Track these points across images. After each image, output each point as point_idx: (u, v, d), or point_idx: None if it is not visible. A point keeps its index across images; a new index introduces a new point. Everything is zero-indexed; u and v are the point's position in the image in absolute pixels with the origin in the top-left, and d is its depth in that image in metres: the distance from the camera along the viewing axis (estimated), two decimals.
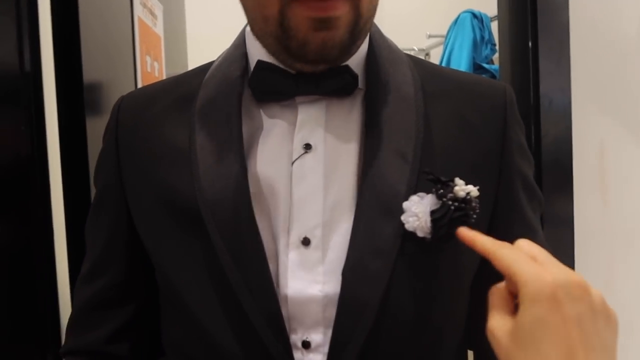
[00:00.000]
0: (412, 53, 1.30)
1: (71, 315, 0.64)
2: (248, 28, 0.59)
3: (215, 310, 0.53)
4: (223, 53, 0.61)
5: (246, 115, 0.56)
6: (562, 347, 0.36)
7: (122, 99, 0.62)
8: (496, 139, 0.56)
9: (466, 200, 0.49)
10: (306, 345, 0.52)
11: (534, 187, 0.60)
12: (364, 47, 0.56)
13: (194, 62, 1.81)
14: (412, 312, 0.52)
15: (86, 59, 0.91)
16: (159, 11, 1.35)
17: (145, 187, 0.56)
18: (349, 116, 0.55)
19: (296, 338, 0.52)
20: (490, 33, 2.12)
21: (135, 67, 1.17)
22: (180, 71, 1.60)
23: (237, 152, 0.53)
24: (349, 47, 0.50)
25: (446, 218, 0.48)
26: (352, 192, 0.53)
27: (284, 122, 0.55)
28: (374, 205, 0.51)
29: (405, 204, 0.50)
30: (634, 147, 1.14)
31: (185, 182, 0.54)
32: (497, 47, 2.10)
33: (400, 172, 0.52)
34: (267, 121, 0.55)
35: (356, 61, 0.55)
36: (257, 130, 0.55)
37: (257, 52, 0.56)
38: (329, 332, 0.51)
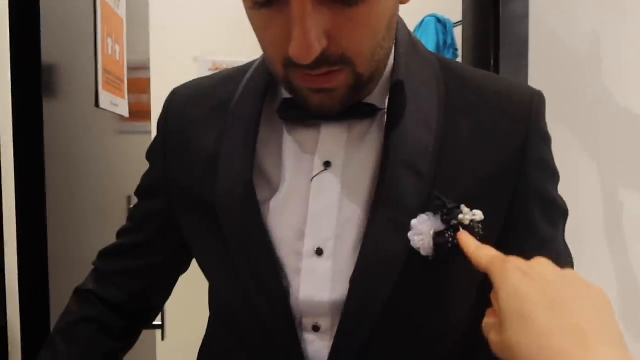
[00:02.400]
0: None
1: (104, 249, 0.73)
2: None
3: (232, 297, 0.61)
4: (259, 60, 0.63)
5: (270, 130, 0.59)
6: (544, 299, 0.37)
7: (173, 95, 0.67)
8: (515, 153, 0.56)
9: (469, 227, 0.50)
10: (316, 329, 0.57)
11: (554, 201, 0.60)
12: (388, 68, 0.57)
13: (155, 48, 1.77)
14: (414, 319, 0.57)
15: (45, 41, 0.87)
16: None
17: (183, 184, 0.62)
18: (370, 134, 0.57)
19: (307, 322, 0.57)
20: (452, 38, 2.18)
21: (95, 49, 1.13)
22: (141, 55, 1.56)
23: (247, 162, 0.57)
24: (351, 101, 0.53)
25: (447, 243, 0.50)
26: (365, 207, 0.55)
27: (307, 139, 0.57)
28: (386, 219, 0.53)
29: (413, 222, 0.52)
30: (582, 153, 1.21)
31: (211, 185, 0.58)
32: (458, 52, 2.17)
33: (413, 189, 0.53)
34: (290, 138, 0.58)
35: (378, 90, 0.57)
36: (281, 145, 0.58)
37: None
38: (335, 329, 0.56)
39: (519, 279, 0.40)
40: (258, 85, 0.59)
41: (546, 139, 0.60)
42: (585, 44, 1.19)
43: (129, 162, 1.39)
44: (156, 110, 1.80)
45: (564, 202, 0.61)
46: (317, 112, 0.53)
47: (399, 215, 0.52)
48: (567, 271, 0.41)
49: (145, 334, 1.51)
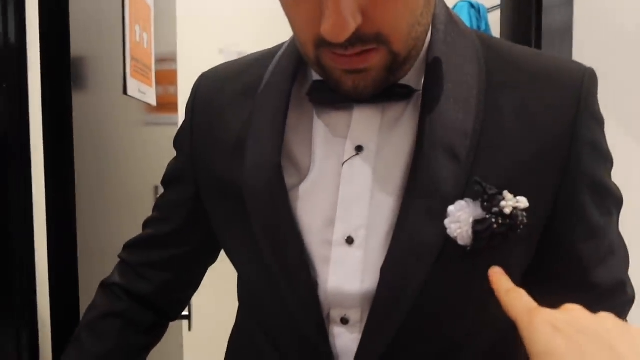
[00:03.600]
0: None
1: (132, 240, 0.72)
2: None
3: (260, 287, 0.58)
4: (287, 42, 0.61)
5: (299, 113, 0.57)
6: (578, 355, 0.33)
7: (201, 79, 0.65)
8: (563, 135, 0.52)
9: (512, 215, 0.47)
10: (345, 321, 0.55)
11: (606, 188, 0.55)
12: (426, 40, 0.54)
13: (182, 38, 1.75)
14: (446, 311, 0.53)
15: (74, 29, 0.85)
16: None
17: (210, 169, 0.60)
18: (404, 117, 0.53)
19: (335, 314, 0.55)
20: (487, 24, 2.10)
21: (124, 37, 1.11)
22: (168, 47, 1.55)
23: (275, 146, 0.54)
24: (386, 82, 0.50)
25: (487, 232, 0.47)
26: (398, 194, 0.52)
27: (338, 122, 0.55)
28: (420, 206, 0.50)
29: (450, 208, 0.48)
30: (634, 145, 1.14)
31: (237, 170, 0.56)
32: None
33: (450, 174, 0.50)
34: (320, 121, 0.56)
35: (414, 70, 0.54)
36: (311, 127, 0.56)
37: None
38: (365, 321, 0.53)
39: (549, 336, 0.35)
40: (287, 67, 0.57)
41: (598, 120, 0.55)
42: (637, 26, 1.12)
43: (156, 152, 1.39)
44: (183, 102, 1.80)
45: (617, 189, 0.57)
46: (350, 95, 0.50)
47: (434, 202, 0.49)
48: (602, 317, 0.37)
49: (171, 324, 1.52)
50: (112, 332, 0.67)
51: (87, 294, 0.90)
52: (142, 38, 1.23)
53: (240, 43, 2.43)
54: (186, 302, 0.75)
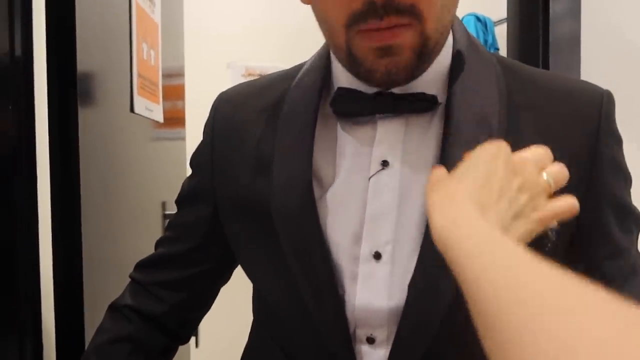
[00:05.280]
0: None
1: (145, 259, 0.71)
2: None
3: (284, 305, 0.58)
4: (310, 60, 0.62)
5: (324, 128, 0.57)
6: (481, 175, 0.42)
7: (221, 98, 0.65)
8: (585, 154, 0.53)
9: (543, 233, 0.47)
10: (371, 340, 0.55)
11: (627, 206, 0.56)
12: (447, 56, 0.55)
13: (190, 53, 1.77)
14: (474, 330, 0.52)
15: (81, 45, 0.86)
16: None
17: (232, 188, 0.60)
18: (428, 131, 0.54)
19: (361, 333, 0.55)
20: (493, 37, 2.10)
21: (131, 54, 1.12)
22: (175, 61, 1.56)
23: (305, 162, 0.54)
24: (417, 69, 0.51)
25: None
26: (423, 209, 0.52)
27: (363, 136, 0.55)
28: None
29: None
30: (629, 141, 1.12)
31: (264, 188, 0.56)
32: (499, 52, 2.09)
33: None
34: (345, 135, 0.56)
35: (437, 75, 0.54)
36: (335, 142, 0.56)
37: (339, 71, 0.57)
38: (392, 339, 0.53)
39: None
40: (313, 83, 0.57)
41: (618, 139, 0.56)
42: None
43: (164, 168, 1.39)
44: (190, 117, 1.80)
45: (636, 208, 0.57)
46: (383, 82, 0.50)
47: None
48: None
49: None
50: (121, 357, 0.65)
51: (93, 308, 0.89)
52: (149, 55, 1.24)
53: (247, 58, 2.45)
54: (197, 323, 0.74)
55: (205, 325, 1.44)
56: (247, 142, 0.60)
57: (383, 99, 0.53)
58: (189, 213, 0.67)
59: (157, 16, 1.31)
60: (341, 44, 0.49)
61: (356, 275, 0.53)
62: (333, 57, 0.58)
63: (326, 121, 0.57)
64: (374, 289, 0.53)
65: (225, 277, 0.70)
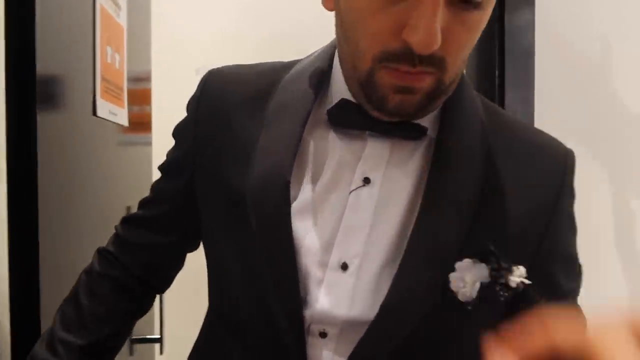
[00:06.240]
0: None
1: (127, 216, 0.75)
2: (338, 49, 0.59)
3: (244, 288, 0.59)
4: (309, 58, 0.62)
5: (314, 131, 0.58)
6: None
7: (210, 75, 0.65)
8: (547, 205, 0.56)
9: (516, 288, 0.51)
10: (323, 335, 0.57)
11: (574, 258, 0.61)
12: None
13: (157, 58, 1.76)
14: (432, 353, 0.57)
15: (41, 46, 0.85)
16: (122, 1, 1.30)
17: (210, 170, 0.61)
18: (412, 157, 0.57)
19: (315, 329, 0.57)
20: None
21: (94, 57, 1.11)
22: (142, 66, 1.55)
23: (287, 161, 0.55)
24: (427, 108, 0.52)
25: (492, 299, 0.51)
26: (396, 230, 0.55)
27: (351, 148, 0.57)
28: (422, 252, 0.53)
29: (458, 265, 0.52)
30: (592, 162, 1.18)
31: (241, 178, 0.57)
32: None
33: (454, 225, 0.53)
34: (334, 143, 0.57)
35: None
36: (323, 148, 0.57)
37: (340, 80, 0.57)
38: (343, 335, 0.56)
39: None
40: (309, 86, 0.58)
41: (574, 196, 0.60)
42: (594, 49, 1.16)
43: (129, 172, 1.37)
44: (157, 121, 1.78)
45: (579, 263, 0.62)
46: (391, 113, 0.52)
47: (435, 251, 0.52)
48: None
49: (143, 347, 1.48)
50: (107, 294, 0.70)
51: (50, 314, 0.88)
52: (114, 59, 1.23)
53: (216, 64, 2.45)
54: (171, 279, 0.78)
55: (170, 331, 1.42)
56: (232, 123, 0.60)
57: (379, 122, 0.55)
58: (168, 182, 0.70)
59: (122, 20, 1.30)
60: (364, 69, 0.50)
61: (322, 281, 0.55)
62: (337, 66, 0.58)
63: (317, 125, 0.58)
64: (337, 297, 0.55)
65: (194, 246, 0.74)
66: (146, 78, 1.61)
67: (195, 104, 0.64)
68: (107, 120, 1.19)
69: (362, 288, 0.55)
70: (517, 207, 0.55)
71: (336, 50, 0.59)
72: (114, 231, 0.78)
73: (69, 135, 1.01)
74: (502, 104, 1.12)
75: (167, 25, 2.26)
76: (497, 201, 0.55)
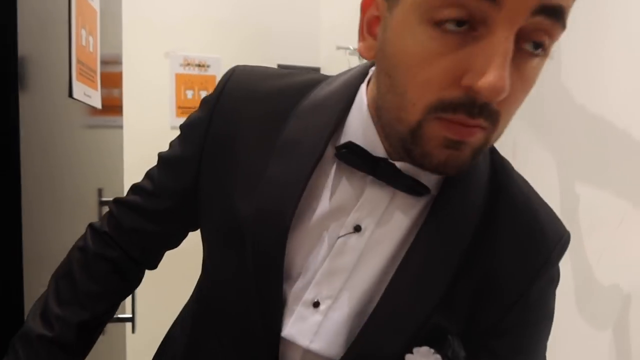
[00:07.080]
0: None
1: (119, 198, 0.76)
2: (365, 84, 0.57)
3: (230, 290, 0.62)
4: (329, 85, 0.59)
5: (319, 166, 0.57)
6: None
7: (234, 74, 0.61)
8: (520, 288, 0.55)
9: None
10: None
11: (532, 354, 0.60)
12: None
13: (128, 41, 1.75)
14: None
15: (21, 28, 0.86)
16: None
17: (220, 173, 0.61)
18: (409, 211, 0.56)
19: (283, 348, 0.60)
20: None
21: (70, 40, 1.12)
22: (113, 49, 1.55)
23: (295, 200, 0.55)
24: (468, 166, 0.49)
25: None
26: (374, 279, 0.56)
27: (351, 188, 0.56)
28: (390, 316, 0.55)
29: (416, 350, 0.53)
30: (540, 149, 1.27)
31: (245, 201, 0.58)
32: None
33: (430, 287, 0.53)
34: (336, 182, 0.57)
35: None
36: (324, 185, 0.57)
37: (357, 122, 0.55)
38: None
39: None
40: (326, 123, 0.55)
41: (554, 280, 0.59)
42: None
43: (100, 155, 1.38)
44: (127, 104, 1.79)
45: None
46: (435, 169, 0.48)
47: (401, 320, 0.54)
48: None
49: (115, 326, 1.50)
50: (105, 275, 0.72)
51: (33, 293, 0.90)
52: (87, 42, 1.23)
53: (186, 48, 2.44)
54: (161, 257, 0.81)
55: (142, 310, 1.45)
56: (244, 138, 0.59)
57: (384, 167, 0.53)
58: (169, 176, 0.68)
59: (95, 3, 1.30)
60: (412, 121, 0.45)
61: (293, 312, 0.58)
62: (357, 106, 0.55)
63: (324, 159, 0.57)
64: (301, 329, 0.58)
65: (197, 228, 0.73)
66: (117, 61, 1.61)
67: (214, 101, 0.61)
68: (82, 102, 1.20)
69: (327, 328, 0.57)
70: (496, 279, 0.55)
71: (360, 91, 0.57)
72: (85, 212, 0.80)
73: (46, 116, 1.02)
74: None
75: (138, 10, 2.24)
76: (478, 271, 0.55)
